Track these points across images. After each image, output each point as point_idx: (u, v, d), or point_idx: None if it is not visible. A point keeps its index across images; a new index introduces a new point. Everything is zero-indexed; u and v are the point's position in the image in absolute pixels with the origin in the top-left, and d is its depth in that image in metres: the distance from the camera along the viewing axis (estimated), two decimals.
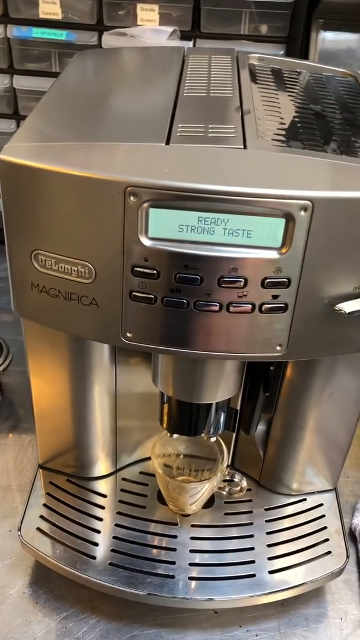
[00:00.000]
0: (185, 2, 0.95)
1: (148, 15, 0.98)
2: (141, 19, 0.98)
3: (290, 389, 0.59)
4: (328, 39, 1.01)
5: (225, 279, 0.41)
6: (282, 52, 0.98)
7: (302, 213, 0.39)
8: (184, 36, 0.98)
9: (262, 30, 0.97)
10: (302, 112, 0.53)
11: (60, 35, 1.00)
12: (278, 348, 0.45)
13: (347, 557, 0.61)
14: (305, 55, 1.01)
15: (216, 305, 0.42)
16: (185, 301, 0.42)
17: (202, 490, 0.60)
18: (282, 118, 0.51)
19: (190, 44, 0.98)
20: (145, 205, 0.39)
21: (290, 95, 0.57)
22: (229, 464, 0.70)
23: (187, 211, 0.40)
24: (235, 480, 0.66)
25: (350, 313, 0.43)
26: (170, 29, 0.96)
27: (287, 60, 0.67)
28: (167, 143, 0.43)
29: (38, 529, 0.61)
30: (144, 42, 0.95)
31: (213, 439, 0.61)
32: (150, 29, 0.96)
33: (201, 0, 0.95)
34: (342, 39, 1.02)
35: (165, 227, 0.40)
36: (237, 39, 0.98)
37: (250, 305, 0.42)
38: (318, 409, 0.59)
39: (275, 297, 0.42)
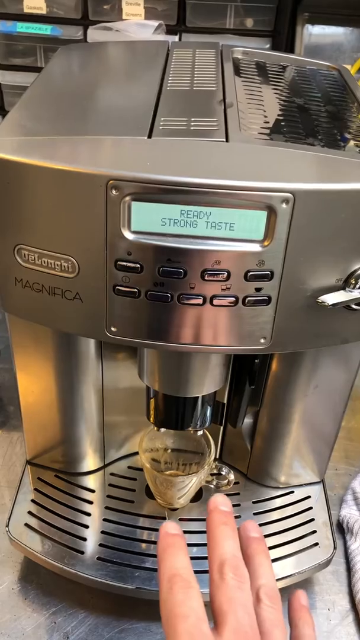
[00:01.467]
0: None
1: (133, 10, 0.98)
2: (126, 14, 0.98)
3: (275, 382, 0.59)
4: (313, 32, 1.01)
5: (209, 272, 0.41)
6: (267, 45, 0.99)
7: (284, 205, 0.39)
8: (170, 30, 0.98)
9: (247, 24, 0.98)
10: (285, 106, 0.53)
11: (45, 30, 1.00)
12: (262, 341, 0.45)
13: (335, 548, 0.61)
14: (291, 49, 1.01)
15: (200, 299, 0.42)
16: (169, 295, 0.42)
17: (190, 484, 0.61)
18: (265, 111, 0.51)
19: (175, 38, 0.98)
20: (128, 198, 0.39)
21: (273, 89, 0.57)
22: (217, 457, 0.70)
23: (170, 204, 0.40)
24: (223, 473, 0.66)
25: (333, 305, 0.43)
26: (155, 23, 0.96)
27: (271, 54, 0.67)
28: (150, 137, 0.43)
29: (26, 524, 0.61)
30: (129, 36, 0.95)
31: (200, 433, 0.62)
32: (136, 23, 0.96)
33: None
34: (328, 32, 1.02)
35: (148, 221, 0.40)
36: (223, 32, 0.98)
37: (234, 298, 0.42)
38: (304, 401, 0.59)
39: (258, 289, 0.42)
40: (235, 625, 0.35)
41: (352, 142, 0.48)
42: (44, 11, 0.99)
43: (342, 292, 0.43)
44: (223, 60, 0.61)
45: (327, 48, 1.04)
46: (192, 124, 0.46)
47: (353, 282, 0.43)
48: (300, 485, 0.68)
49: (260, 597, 0.38)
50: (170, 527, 0.39)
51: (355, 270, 0.43)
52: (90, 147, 0.42)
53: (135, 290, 0.42)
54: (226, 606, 0.35)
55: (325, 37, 1.04)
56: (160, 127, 0.45)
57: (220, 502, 0.41)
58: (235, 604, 0.35)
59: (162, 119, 0.46)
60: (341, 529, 0.68)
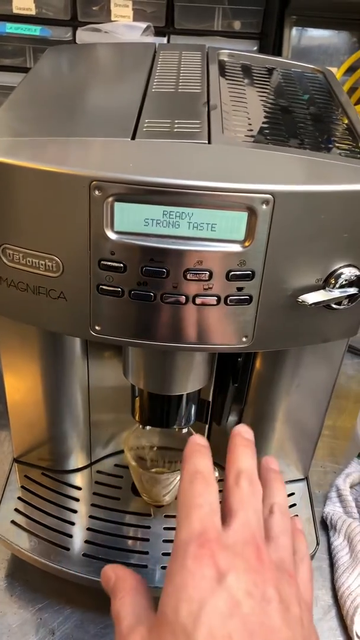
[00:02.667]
0: None
1: (122, 11, 0.98)
2: (115, 15, 0.99)
3: (259, 380, 0.60)
4: (300, 35, 1.02)
5: (191, 272, 0.42)
6: (255, 48, 1.00)
7: (264, 207, 0.40)
8: (158, 32, 0.99)
9: (235, 27, 0.99)
10: (269, 108, 0.54)
11: (35, 30, 1.00)
12: (244, 339, 0.46)
13: (317, 544, 0.62)
14: (278, 52, 1.02)
15: (182, 298, 0.43)
16: (152, 294, 0.43)
17: (175, 480, 0.61)
18: (248, 113, 0.51)
19: (164, 40, 0.99)
20: (111, 199, 0.40)
21: (258, 91, 0.57)
22: None
23: (152, 205, 0.40)
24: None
25: (313, 304, 0.44)
26: (144, 25, 0.96)
27: (257, 57, 0.68)
28: (133, 138, 0.44)
29: (13, 522, 0.62)
30: (118, 37, 0.96)
31: (185, 430, 0.62)
32: (124, 24, 0.97)
33: None
34: (315, 35, 1.03)
35: (130, 221, 0.41)
36: (211, 35, 0.99)
37: (216, 298, 0.43)
38: (287, 399, 0.60)
39: (240, 289, 0.43)
40: (244, 520, 0.36)
41: (333, 145, 0.49)
42: (33, 12, 0.99)
43: (322, 291, 0.44)
44: (209, 63, 0.62)
45: (314, 50, 1.05)
46: (176, 125, 0.46)
47: (333, 281, 0.44)
48: (285, 482, 0.68)
49: (273, 510, 0.40)
50: (198, 438, 0.41)
51: (335, 270, 0.44)
52: (74, 148, 0.43)
53: (119, 289, 0.43)
54: (237, 506, 0.36)
55: (313, 40, 1.05)
56: (144, 129, 0.45)
57: (244, 430, 0.42)
58: (246, 505, 0.37)
59: (146, 120, 0.47)
60: (325, 526, 0.69)
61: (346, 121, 0.54)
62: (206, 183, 0.40)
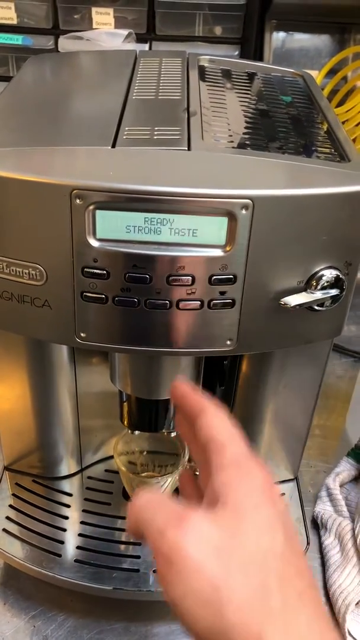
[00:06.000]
0: (139, 5, 0.97)
1: (103, 19, 0.99)
2: (97, 23, 0.99)
3: (245, 382, 0.60)
4: (281, 39, 1.03)
5: (174, 277, 0.42)
6: (236, 52, 1.00)
7: (244, 211, 0.40)
8: (140, 39, 0.99)
9: (216, 32, 0.99)
10: (248, 113, 0.54)
11: (17, 40, 1.01)
12: (228, 342, 0.46)
13: (308, 543, 0.63)
14: (260, 56, 1.03)
15: (166, 303, 0.44)
16: (135, 300, 0.43)
17: (165, 484, 0.62)
18: (228, 119, 0.52)
19: (146, 46, 1.00)
20: (92, 207, 0.40)
21: (237, 97, 0.58)
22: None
23: (134, 212, 0.41)
24: (198, 473, 0.67)
25: (295, 306, 0.44)
26: (125, 32, 0.97)
27: (237, 62, 0.69)
28: (113, 146, 0.44)
29: (4, 530, 0.62)
30: (100, 45, 0.96)
31: (174, 434, 0.63)
32: (106, 32, 0.98)
33: (155, 3, 0.96)
34: (295, 39, 1.04)
35: (112, 229, 0.42)
36: (192, 40, 1.00)
37: (199, 302, 0.44)
38: (274, 400, 0.60)
39: (222, 293, 0.44)
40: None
41: (312, 149, 0.49)
42: (14, 21, 1.00)
43: (303, 293, 0.45)
44: (189, 69, 0.62)
45: (295, 54, 1.06)
46: (156, 133, 0.47)
47: (314, 283, 0.44)
48: (275, 483, 0.69)
49: None
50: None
51: (316, 272, 0.44)
52: (54, 157, 0.43)
53: (103, 296, 0.43)
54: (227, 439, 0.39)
55: (294, 44, 1.06)
56: (124, 137, 0.46)
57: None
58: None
59: (127, 128, 0.47)
60: (316, 525, 0.70)
61: (325, 125, 0.54)
62: (186, 189, 0.40)
